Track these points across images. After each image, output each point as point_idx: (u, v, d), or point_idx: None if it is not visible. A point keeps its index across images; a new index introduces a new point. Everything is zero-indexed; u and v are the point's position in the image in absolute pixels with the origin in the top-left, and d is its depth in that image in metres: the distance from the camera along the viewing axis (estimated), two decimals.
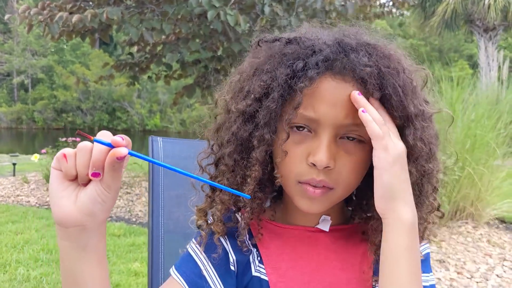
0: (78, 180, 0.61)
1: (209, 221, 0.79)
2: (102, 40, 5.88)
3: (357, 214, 0.82)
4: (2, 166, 9.67)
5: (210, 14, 4.46)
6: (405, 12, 17.31)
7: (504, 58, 14.38)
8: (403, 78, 0.68)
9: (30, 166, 9.12)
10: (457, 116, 4.50)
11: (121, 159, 0.56)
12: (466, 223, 4.54)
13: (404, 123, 0.69)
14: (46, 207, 5.82)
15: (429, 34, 17.94)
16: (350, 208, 0.86)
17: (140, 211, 5.55)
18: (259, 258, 0.78)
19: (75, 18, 4.40)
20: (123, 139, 0.57)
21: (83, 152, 0.58)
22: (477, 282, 3.30)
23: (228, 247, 0.78)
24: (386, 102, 0.69)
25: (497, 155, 4.54)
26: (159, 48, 6.59)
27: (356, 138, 0.70)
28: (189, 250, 0.79)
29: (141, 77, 6.88)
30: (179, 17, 5.65)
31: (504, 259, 3.74)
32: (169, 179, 1.35)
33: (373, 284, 0.76)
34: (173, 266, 0.78)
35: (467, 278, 3.37)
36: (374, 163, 0.67)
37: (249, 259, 0.78)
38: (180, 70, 6.73)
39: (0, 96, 37.81)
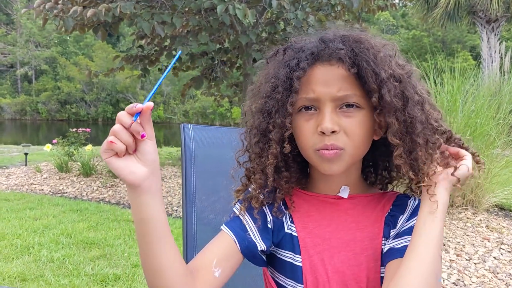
0: (128, 150, 0.79)
1: (249, 191, 0.98)
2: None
3: (379, 184, 1.04)
4: (13, 157, 9.88)
5: (220, 8, 4.62)
6: (408, 3, 17.36)
7: (506, 49, 14.47)
8: (372, 53, 0.88)
9: (40, 156, 9.33)
10: (457, 106, 4.67)
11: (152, 108, 0.76)
12: (466, 209, 4.71)
13: (379, 85, 0.87)
14: (59, 195, 6.03)
15: (432, 25, 18.00)
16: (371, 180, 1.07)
17: None
18: (290, 219, 0.98)
19: (89, 12, 4.57)
20: (136, 106, 0.76)
21: (121, 131, 0.76)
22: (475, 264, 3.49)
23: (267, 210, 0.98)
24: (363, 72, 0.87)
25: (496, 144, 4.70)
26: (167, 41, 6.76)
27: (354, 105, 0.90)
28: (236, 211, 0.98)
29: (151, 69, 7.04)
30: (187, 10, 5.81)
31: (502, 243, 3.93)
32: (200, 168, 1.52)
33: (383, 242, 0.94)
34: (223, 224, 0.97)
35: (466, 260, 3.56)
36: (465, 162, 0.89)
37: (282, 220, 0.98)
38: (188, 62, 6.90)
39: (4, 87, 37.98)
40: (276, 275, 0.98)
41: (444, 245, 3.81)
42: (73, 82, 35.34)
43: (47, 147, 7.64)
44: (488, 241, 3.96)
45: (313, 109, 0.91)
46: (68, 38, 38.24)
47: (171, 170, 7.35)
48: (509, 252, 3.75)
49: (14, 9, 38.01)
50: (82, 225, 4.42)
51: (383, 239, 0.94)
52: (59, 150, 7.30)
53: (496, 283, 3.22)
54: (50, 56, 37.28)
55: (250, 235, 0.94)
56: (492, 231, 4.25)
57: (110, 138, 0.76)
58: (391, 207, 0.97)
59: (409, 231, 0.90)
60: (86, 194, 6.08)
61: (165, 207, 5.35)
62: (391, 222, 0.95)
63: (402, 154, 0.88)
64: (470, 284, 3.20)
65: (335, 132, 0.88)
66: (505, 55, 13.62)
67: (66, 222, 4.54)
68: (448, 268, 3.40)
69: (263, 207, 0.97)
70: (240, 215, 0.97)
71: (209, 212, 1.55)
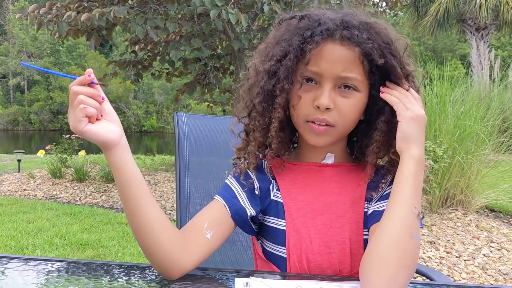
0: (98, 114, 0.84)
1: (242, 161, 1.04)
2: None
3: (360, 157, 1.07)
4: (5, 165, 9.85)
5: (213, 13, 4.68)
6: (399, 12, 17.56)
7: (496, 57, 14.67)
8: (387, 40, 0.94)
9: (33, 164, 9.31)
10: (446, 108, 4.75)
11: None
12: (456, 209, 4.77)
13: (407, 76, 0.95)
14: (53, 200, 6.03)
15: (423, 34, 18.22)
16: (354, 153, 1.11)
17: None
18: (276, 187, 1.03)
19: (83, 17, 4.62)
20: (87, 75, 0.84)
21: (86, 98, 0.83)
22: (464, 261, 3.54)
23: (254, 178, 1.03)
24: (390, 64, 0.93)
25: (486, 144, 4.77)
26: (160, 46, 6.82)
27: (352, 87, 0.95)
28: (227, 181, 1.04)
29: (144, 74, 7.09)
30: (180, 16, 5.87)
31: (491, 241, 3.98)
32: (194, 172, 1.56)
33: (365, 205, 0.99)
34: (216, 194, 1.02)
35: (456, 257, 3.61)
36: (398, 117, 0.91)
37: (269, 187, 1.03)
38: (182, 68, 6.96)
39: None
40: (265, 242, 1.03)
41: (434, 243, 3.86)
42: (66, 92, 35.21)
43: (41, 153, 7.64)
44: (478, 240, 4.02)
45: (313, 81, 0.95)
46: (61, 48, 38.23)
47: (164, 175, 7.37)
48: (499, 250, 3.80)
49: (7, 19, 37.98)
50: (75, 228, 4.43)
51: (366, 202, 1.00)
52: (53, 157, 7.30)
53: (485, 279, 3.27)
54: (42, 66, 37.18)
55: (239, 200, 0.99)
56: (481, 230, 4.31)
57: (80, 106, 0.81)
58: (373, 175, 1.02)
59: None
60: (80, 199, 6.08)
61: None
62: (373, 187, 1.00)
63: (382, 136, 0.97)
64: (460, 280, 3.25)
65: (329, 109, 0.93)
66: (495, 62, 13.82)
67: (59, 224, 4.55)
68: (438, 265, 3.45)
69: (251, 174, 1.02)
70: (230, 184, 1.02)
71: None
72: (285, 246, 0.98)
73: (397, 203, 0.86)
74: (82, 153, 7.43)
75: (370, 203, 0.99)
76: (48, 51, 38.66)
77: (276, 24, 1.05)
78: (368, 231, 0.96)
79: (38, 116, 36.15)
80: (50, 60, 38.02)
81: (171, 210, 5.35)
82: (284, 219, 0.99)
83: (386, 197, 0.96)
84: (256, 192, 1.02)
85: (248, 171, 1.02)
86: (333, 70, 0.93)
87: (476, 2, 14.53)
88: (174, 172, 1.38)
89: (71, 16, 4.78)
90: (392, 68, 0.93)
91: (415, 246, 0.83)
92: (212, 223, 0.95)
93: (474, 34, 15.30)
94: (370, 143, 1.02)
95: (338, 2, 5.55)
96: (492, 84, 6.20)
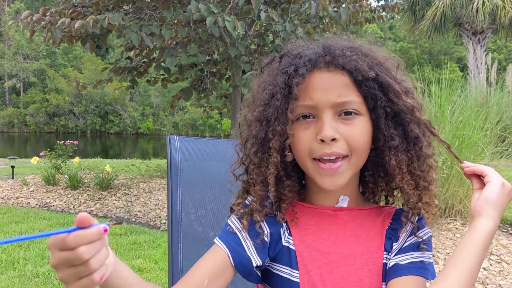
0: None
1: (246, 204, 0.95)
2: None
3: (376, 197, 1.02)
4: None
5: (209, 20, 4.61)
6: (396, 15, 17.57)
7: (492, 61, 14.67)
8: (376, 62, 0.88)
9: (27, 169, 9.21)
10: (445, 117, 4.70)
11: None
12: (455, 220, 4.72)
13: (406, 92, 0.88)
14: (46, 208, 5.94)
15: (419, 37, 18.23)
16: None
17: (139, 211, 5.68)
18: (288, 231, 0.94)
19: (77, 24, 4.54)
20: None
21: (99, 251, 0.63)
22: None
23: (264, 223, 0.94)
24: (384, 80, 0.87)
25: (485, 153, 4.72)
26: (155, 52, 6.75)
27: (353, 112, 0.87)
28: (230, 223, 0.94)
29: (139, 80, 7.02)
30: (176, 22, 5.80)
31: (491, 254, 3.93)
32: (187, 181, 1.49)
33: (384, 256, 0.91)
34: (217, 237, 0.93)
35: None
36: (487, 179, 0.88)
37: (280, 232, 0.94)
38: (178, 74, 6.90)
39: None
40: None
41: (434, 256, 3.80)
42: (62, 94, 35.10)
43: (34, 160, 7.55)
44: None
45: (311, 117, 0.88)
46: (57, 50, 38.08)
47: (160, 182, 7.29)
48: (499, 262, 3.75)
49: (2, 21, 37.83)
50: None
51: (385, 253, 0.92)
52: (46, 163, 7.22)
53: None
54: (38, 68, 37.04)
55: (244, 249, 0.91)
56: None
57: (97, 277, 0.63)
58: (391, 221, 0.95)
59: (413, 247, 0.90)
60: (74, 207, 6.00)
61: (153, 220, 5.32)
62: (392, 235, 0.93)
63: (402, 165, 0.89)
64: None
65: (335, 140, 0.85)
66: (491, 66, 13.82)
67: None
68: None
69: (260, 223, 0.93)
70: (235, 228, 0.93)
71: (197, 225, 1.53)
72: None
73: (459, 272, 0.79)
74: (77, 159, 7.35)
75: (389, 254, 0.91)
76: (44, 53, 38.53)
77: (258, 71, 0.98)
78: (386, 284, 0.89)
79: (34, 118, 36.01)
80: (46, 62, 37.88)
81: (166, 219, 5.27)
82: (298, 270, 0.90)
83: (407, 249, 0.90)
84: (266, 239, 0.93)
85: (255, 219, 0.93)
86: (328, 98, 0.86)
87: (473, 6, 14.53)
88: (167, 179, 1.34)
89: (65, 23, 4.70)
90: (388, 85, 0.86)
91: None
92: (212, 278, 0.87)
93: (471, 38, 15.31)
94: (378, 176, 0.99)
95: (335, 10, 5.50)
96: (489, 88, 6.15)
